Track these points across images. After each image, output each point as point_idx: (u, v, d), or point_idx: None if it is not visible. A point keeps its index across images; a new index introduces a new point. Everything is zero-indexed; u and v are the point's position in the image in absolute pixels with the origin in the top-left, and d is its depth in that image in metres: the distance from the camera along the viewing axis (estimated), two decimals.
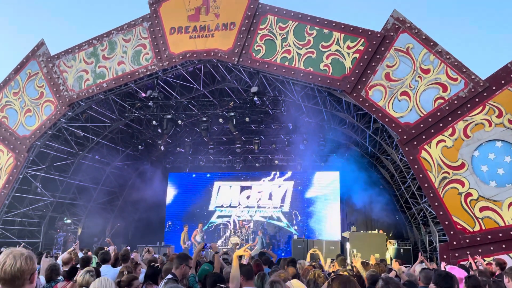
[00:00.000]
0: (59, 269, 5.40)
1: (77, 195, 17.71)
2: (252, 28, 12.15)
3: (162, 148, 17.74)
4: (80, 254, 8.74)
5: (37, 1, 52.17)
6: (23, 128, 13.95)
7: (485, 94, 10.07)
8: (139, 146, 17.99)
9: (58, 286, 4.87)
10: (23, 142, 13.82)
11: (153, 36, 13.02)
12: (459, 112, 10.20)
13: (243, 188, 20.70)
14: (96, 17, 53.50)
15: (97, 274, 4.80)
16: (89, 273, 4.23)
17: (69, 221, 17.76)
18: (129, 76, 13.19)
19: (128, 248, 9.13)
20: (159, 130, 15.45)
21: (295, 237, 18.41)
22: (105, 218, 19.35)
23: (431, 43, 10.61)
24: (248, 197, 20.48)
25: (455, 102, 10.20)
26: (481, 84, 10.09)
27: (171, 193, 21.35)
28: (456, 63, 10.34)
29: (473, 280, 4.49)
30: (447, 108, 10.24)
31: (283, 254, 18.49)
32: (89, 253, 9.74)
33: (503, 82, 10.02)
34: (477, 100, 10.11)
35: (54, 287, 4.94)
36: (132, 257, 6.79)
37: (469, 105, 10.15)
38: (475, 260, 8.48)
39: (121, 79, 13.23)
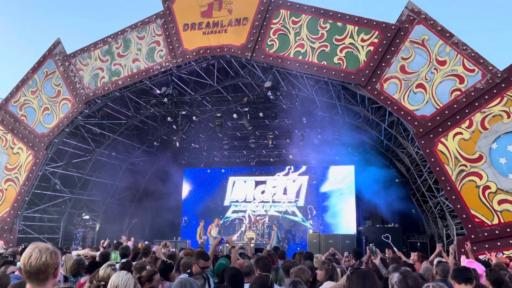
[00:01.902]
0: (84, 264, 5.65)
1: (95, 191, 18.02)
2: (265, 23, 12.12)
3: (177, 144, 17.88)
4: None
5: (50, 3, 52.77)
6: (41, 126, 14.20)
7: (503, 85, 9.89)
8: (155, 143, 18.18)
9: (82, 280, 5.03)
10: (41, 140, 14.08)
11: (167, 33, 13.09)
12: (476, 104, 10.04)
13: (257, 183, 20.75)
14: (109, 16, 53.91)
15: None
16: (110, 267, 4.32)
17: (87, 217, 18.10)
18: (143, 73, 13.31)
19: (147, 243, 9.27)
20: (174, 127, 15.57)
21: (311, 231, 18.40)
22: (122, 214, 19.66)
23: (447, 34, 10.44)
24: (262, 192, 20.52)
25: (472, 93, 10.04)
26: (499, 75, 9.91)
27: (186, 188, 21.53)
28: (473, 54, 10.16)
29: (495, 273, 4.45)
30: (464, 100, 10.09)
31: (298, 248, 18.48)
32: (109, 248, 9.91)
33: None
34: (494, 91, 9.93)
35: (78, 281, 5.11)
36: (154, 249, 6.89)
37: (486, 97, 9.98)
38: (494, 254, 8.39)
39: (136, 76, 13.37)
